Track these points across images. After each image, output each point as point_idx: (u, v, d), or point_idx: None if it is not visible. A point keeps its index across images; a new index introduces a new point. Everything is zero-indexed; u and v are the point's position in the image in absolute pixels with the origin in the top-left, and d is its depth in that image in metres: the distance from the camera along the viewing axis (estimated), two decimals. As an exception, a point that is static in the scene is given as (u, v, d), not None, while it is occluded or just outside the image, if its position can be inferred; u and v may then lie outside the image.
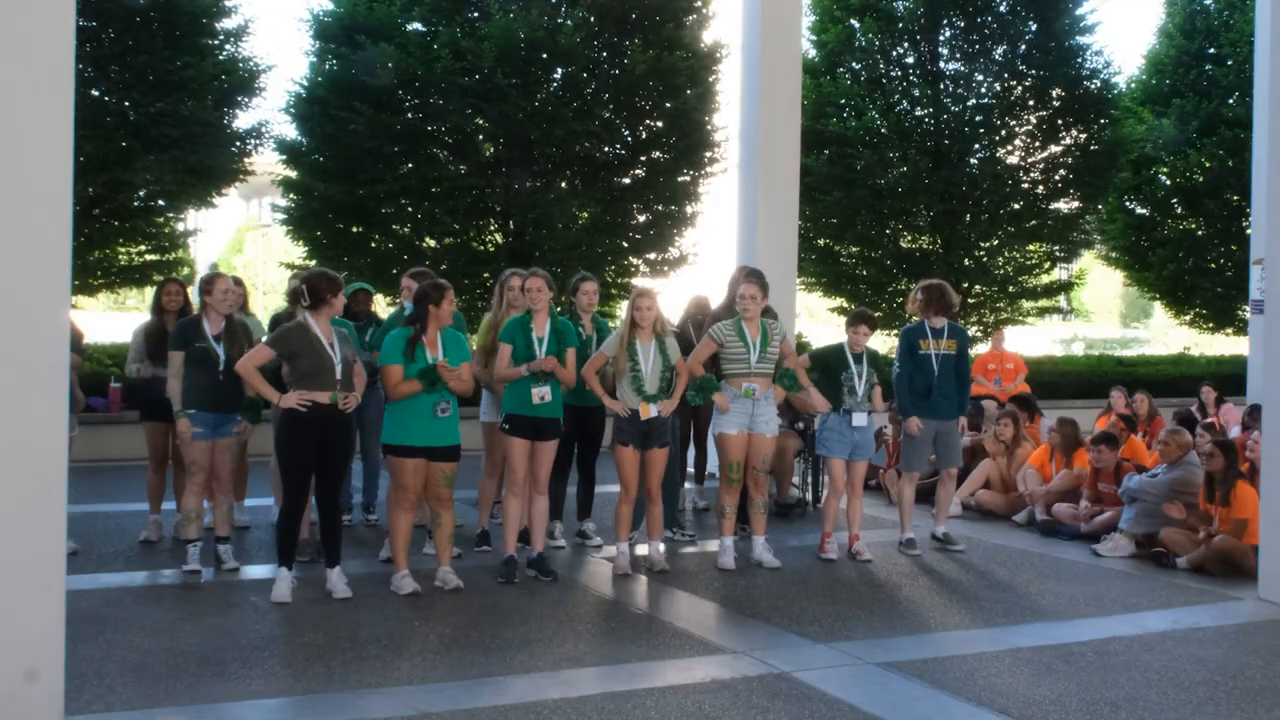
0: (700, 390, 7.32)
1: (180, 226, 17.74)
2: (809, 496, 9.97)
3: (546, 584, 6.84)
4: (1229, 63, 20.50)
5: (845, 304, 19.11)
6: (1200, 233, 21.47)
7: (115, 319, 29.65)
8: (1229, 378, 16.32)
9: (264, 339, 6.81)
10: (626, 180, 17.30)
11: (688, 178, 17.45)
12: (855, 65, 19.38)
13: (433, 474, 6.46)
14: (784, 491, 9.60)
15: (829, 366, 7.88)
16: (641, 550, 7.47)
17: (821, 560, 7.76)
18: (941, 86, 19.46)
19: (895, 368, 8.36)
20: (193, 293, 8.05)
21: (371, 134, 15.25)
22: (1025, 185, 19.73)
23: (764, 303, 7.54)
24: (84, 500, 8.77)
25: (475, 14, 16.19)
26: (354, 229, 16.55)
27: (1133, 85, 21.85)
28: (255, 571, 7.03)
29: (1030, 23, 19.34)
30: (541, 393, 6.88)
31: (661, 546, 7.49)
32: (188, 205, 16.67)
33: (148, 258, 16.38)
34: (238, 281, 8.26)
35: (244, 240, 54.37)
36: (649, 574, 7.19)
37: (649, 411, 7.04)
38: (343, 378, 6.28)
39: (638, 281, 17.30)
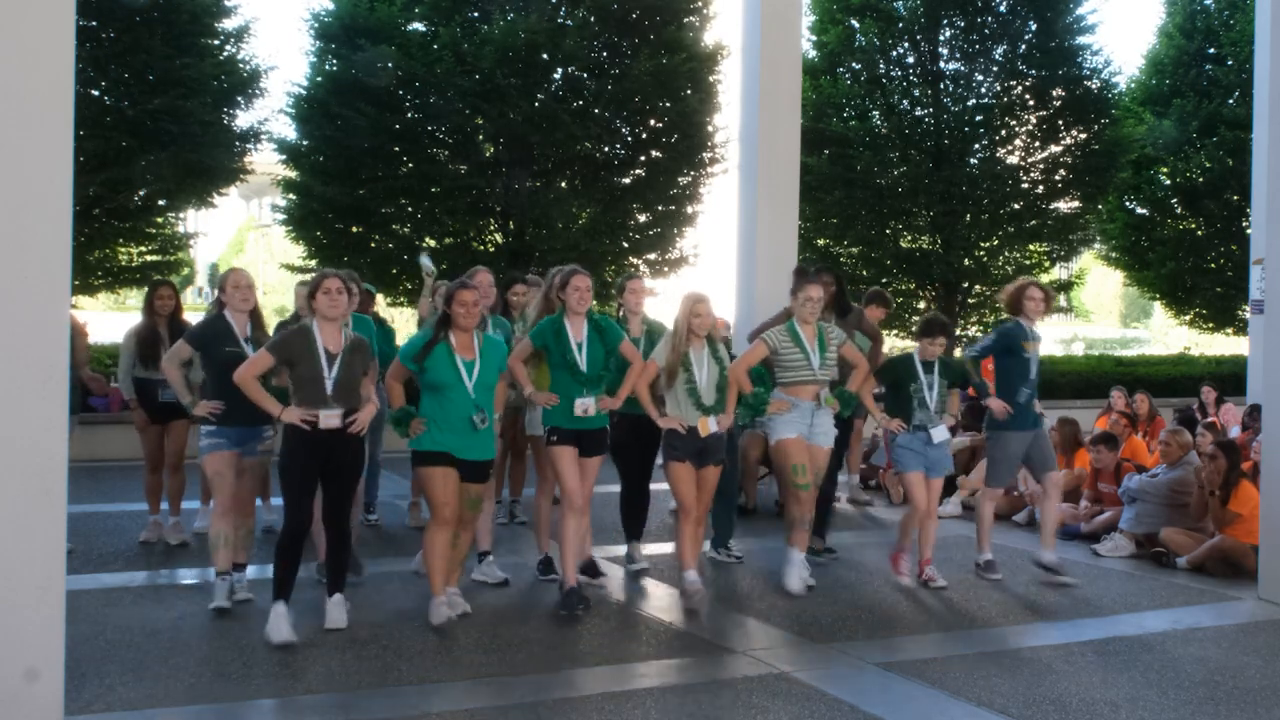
0: (751, 409, 6.65)
1: (181, 228, 17.79)
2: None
3: (550, 587, 6.65)
4: (1229, 63, 20.50)
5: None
6: (1200, 233, 21.48)
7: (115, 319, 29.63)
8: (1229, 378, 16.33)
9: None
10: (627, 180, 17.32)
11: (688, 178, 17.46)
12: (855, 65, 19.39)
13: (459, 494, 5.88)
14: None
15: (896, 380, 7.19)
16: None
17: (901, 583, 7.07)
18: (941, 86, 19.47)
19: (971, 354, 7.50)
20: (191, 293, 8.02)
21: (372, 134, 15.25)
22: (1025, 185, 19.74)
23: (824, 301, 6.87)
24: (84, 500, 8.77)
25: (476, 14, 16.20)
26: (354, 229, 16.57)
27: (1133, 85, 21.86)
28: (254, 572, 7.00)
29: (1030, 23, 19.35)
30: (585, 405, 6.20)
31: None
32: (187, 204, 16.73)
33: (148, 258, 16.43)
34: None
35: (245, 240, 54.40)
36: (662, 587, 6.76)
37: (709, 427, 6.32)
38: (335, 393, 5.55)
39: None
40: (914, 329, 19.57)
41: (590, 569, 6.85)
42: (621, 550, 7.51)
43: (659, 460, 6.83)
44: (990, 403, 7.24)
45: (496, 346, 5.97)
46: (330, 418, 5.51)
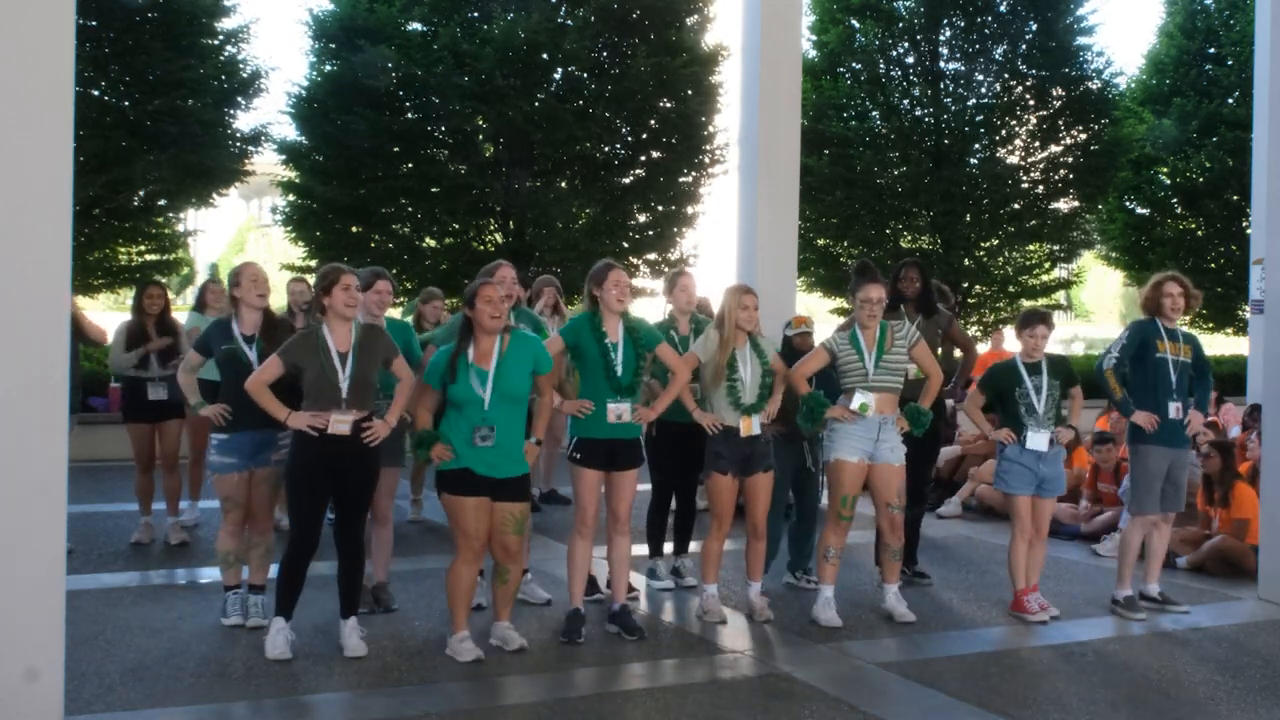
0: (810, 414, 6.07)
1: (180, 227, 17.81)
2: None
3: (553, 590, 6.63)
4: (1229, 63, 20.54)
5: (845, 304, 19.11)
6: (1200, 233, 21.53)
7: (115, 319, 29.66)
8: (1229, 378, 16.34)
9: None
10: (627, 180, 17.35)
11: (688, 178, 17.48)
12: (855, 65, 19.42)
13: (498, 517, 5.25)
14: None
15: (1000, 388, 6.39)
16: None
17: (1032, 624, 6.27)
18: (941, 86, 19.50)
19: (1110, 362, 6.51)
20: (191, 294, 8.05)
21: (371, 134, 15.27)
22: (1025, 185, 19.78)
23: (885, 300, 6.18)
24: (84, 500, 8.78)
25: (476, 14, 16.22)
26: (354, 229, 16.60)
27: (1133, 85, 21.91)
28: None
29: (1030, 23, 19.40)
30: (620, 410, 5.61)
31: (759, 594, 6.31)
32: (188, 205, 16.76)
33: (148, 258, 16.44)
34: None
35: (245, 240, 54.50)
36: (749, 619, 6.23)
37: (752, 427, 5.91)
38: (350, 395, 5.18)
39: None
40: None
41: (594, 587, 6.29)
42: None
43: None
44: (1136, 417, 6.39)
45: (526, 345, 5.33)
46: (340, 423, 5.12)
